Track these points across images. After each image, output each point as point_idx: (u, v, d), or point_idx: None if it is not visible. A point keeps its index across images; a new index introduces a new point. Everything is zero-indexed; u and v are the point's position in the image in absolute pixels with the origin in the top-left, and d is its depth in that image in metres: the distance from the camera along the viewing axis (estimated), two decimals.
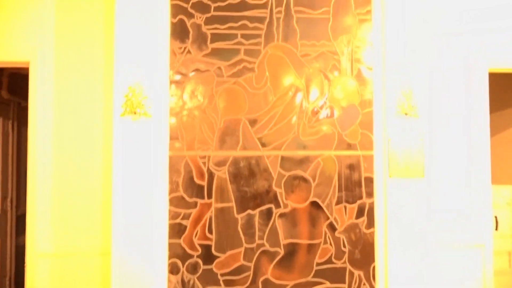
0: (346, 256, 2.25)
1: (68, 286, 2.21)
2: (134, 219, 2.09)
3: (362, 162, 2.28)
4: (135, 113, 2.09)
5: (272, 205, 2.22)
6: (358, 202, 2.27)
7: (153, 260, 2.10)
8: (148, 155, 2.11)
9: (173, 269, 2.16)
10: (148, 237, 2.09)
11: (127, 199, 2.08)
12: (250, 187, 2.21)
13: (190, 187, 2.19)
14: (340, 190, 2.26)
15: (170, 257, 2.16)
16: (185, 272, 2.16)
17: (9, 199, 3.59)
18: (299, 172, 2.24)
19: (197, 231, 2.18)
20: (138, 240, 2.09)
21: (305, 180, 2.25)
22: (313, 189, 2.24)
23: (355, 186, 2.27)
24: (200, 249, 2.18)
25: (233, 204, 2.20)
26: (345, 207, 2.26)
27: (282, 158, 2.23)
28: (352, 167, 2.27)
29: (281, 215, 2.23)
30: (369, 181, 2.28)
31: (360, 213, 2.26)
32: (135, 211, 2.09)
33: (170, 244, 2.16)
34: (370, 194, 2.27)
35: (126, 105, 2.09)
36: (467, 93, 2.45)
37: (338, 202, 2.26)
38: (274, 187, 2.22)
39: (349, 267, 2.25)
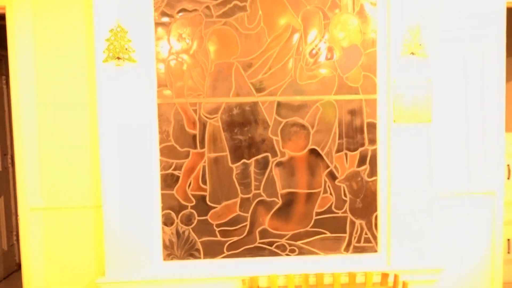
0: (347, 205, 2.20)
1: (62, 240, 2.23)
2: (124, 170, 2.05)
3: (365, 106, 2.16)
4: (118, 58, 1.99)
5: (268, 154, 2.15)
6: (360, 149, 2.18)
7: (146, 212, 2.09)
8: (135, 103, 2.04)
9: (167, 221, 2.15)
10: (139, 188, 2.07)
11: (115, 150, 2.04)
12: (245, 135, 2.14)
13: (181, 137, 2.13)
14: (340, 137, 2.17)
15: (163, 209, 2.14)
16: (179, 223, 2.15)
17: (9, 156, 3.63)
18: (296, 118, 2.15)
19: (191, 182, 2.14)
20: (129, 192, 2.06)
21: (303, 127, 2.16)
22: (311, 137, 2.16)
23: (356, 132, 2.17)
24: (194, 200, 2.15)
25: (227, 153, 2.14)
26: (346, 155, 2.18)
27: (279, 104, 2.13)
28: (353, 113, 2.17)
29: (278, 164, 2.16)
30: (372, 127, 2.18)
31: (362, 161, 2.18)
32: (124, 162, 2.05)
33: (163, 195, 2.14)
34: (372, 140, 2.18)
35: (109, 50, 1.99)
36: (481, 32, 2.26)
37: (338, 150, 2.18)
38: (270, 135, 2.14)
39: (350, 216, 2.20)
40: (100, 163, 2.05)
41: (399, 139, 2.14)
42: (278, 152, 2.16)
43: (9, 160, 3.57)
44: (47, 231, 2.24)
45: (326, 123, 2.17)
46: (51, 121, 2.21)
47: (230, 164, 2.15)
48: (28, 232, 2.23)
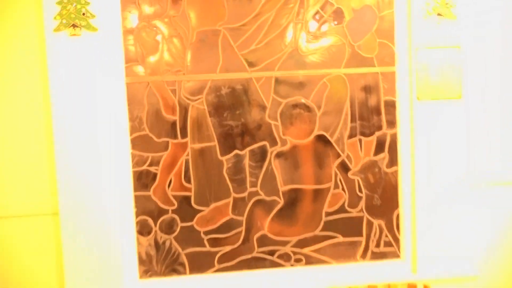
0: (362, 202, 1.85)
1: (17, 252, 1.84)
2: (85, 168, 1.66)
3: (381, 81, 1.82)
4: (74, 26, 1.61)
5: (266, 143, 1.79)
6: (377, 133, 1.83)
7: (115, 218, 1.70)
8: (98, 84, 1.64)
9: (143, 229, 1.77)
10: (106, 190, 1.68)
11: (72, 143, 1.66)
12: (236, 120, 1.77)
13: (157, 124, 1.75)
14: (353, 119, 1.82)
15: (138, 214, 1.76)
16: (158, 231, 1.77)
17: None
18: (299, 98, 1.79)
19: (171, 180, 1.77)
20: (93, 195, 1.67)
21: (307, 108, 1.81)
22: (318, 120, 1.80)
23: (372, 113, 1.83)
24: (176, 203, 1.77)
25: (215, 143, 1.77)
26: (360, 141, 1.83)
27: (277, 80, 1.77)
28: (368, 89, 1.82)
29: (279, 155, 1.81)
30: (391, 106, 1.83)
31: (379, 147, 1.84)
32: (85, 158, 1.66)
33: (136, 198, 1.75)
34: (392, 123, 1.84)
35: (61, 15, 1.60)
36: None
37: (351, 135, 1.83)
38: (267, 119, 1.78)
39: (366, 216, 1.86)
40: (55, 162, 1.67)
41: (423, 120, 1.80)
42: (278, 140, 1.80)
43: None
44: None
45: (336, 102, 1.82)
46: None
47: (219, 157, 1.78)
48: None
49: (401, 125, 1.82)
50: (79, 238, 1.67)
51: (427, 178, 1.80)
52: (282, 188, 1.80)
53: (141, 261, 1.77)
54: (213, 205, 1.78)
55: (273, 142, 1.79)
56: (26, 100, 1.75)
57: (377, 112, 1.82)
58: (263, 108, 1.77)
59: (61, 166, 1.65)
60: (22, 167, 1.78)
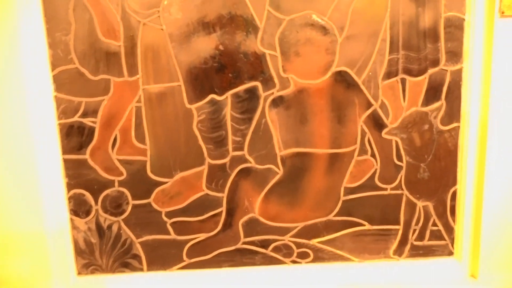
0: (401, 175, 1.30)
1: None
2: None
3: None
4: None
5: (257, 84, 1.23)
6: (430, 71, 1.24)
7: (36, 193, 1.23)
8: None
9: (79, 208, 1.28)
10: (18, 152, 1.21)
11: None
12: (213, 48, 1.22)
13: (92, 53, 1.19)
14: (393, 48, 1.22)
15: (70, 188, 1.28)
16: (101, 211, 1.29)
17: None
18: (309, 13, 1.22)
19: (116, 138, 1.27)
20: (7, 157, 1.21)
21: (322, 29, 1.22)
22: (338, 48, 1.24)
23: (424, 38, 1.22)
24: (124, 172, 1.26)
25: (180, 83, 1.24)
26: (404, 83, 1.25)
27: None
28: (418, 1, 1.24)
29: (277, 102, 1.25)
30: (456, 27, 1.20)
31: (432, 93, 1.24)
32: None
33: (66, 164, 1.25)
34: (455, 54, 1.22)
35: None
36: None
37: (389, 74, 1.24)
38: (260, 47, 1.22)
39: (407, 194, 1.31)
40: None
41: (508, 50, 1.21)
42: (276, 80, 1.23)
43: None
44: None
45: (367, 21, 1.22)
46: None
47: (186, 104, 1.23)
48: None
49: (470, 58, 1.22)
50: None
51: (504, 141, 1.24)
52: (282, 152, 1.27)
53: (78, 252, 1.29)
54: (178, 176, 1.26)
55: (269, 83, 1.23)
56: None
57: (433, 36, 1.20)
58: (253, 28, 1.20)
59: None
60: None
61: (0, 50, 1.13)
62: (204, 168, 1.25)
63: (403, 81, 1.23)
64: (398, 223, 1.31)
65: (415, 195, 1.29)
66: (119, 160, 1.23)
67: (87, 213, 1.26)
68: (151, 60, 1.19)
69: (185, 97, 1.20)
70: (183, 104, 1.21)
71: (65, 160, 1.23)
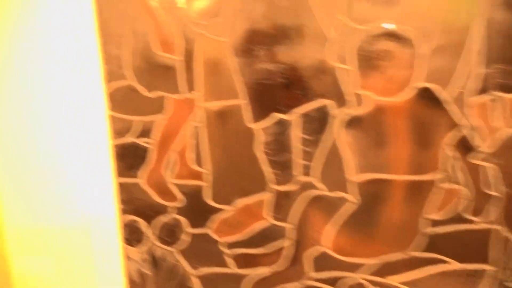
0: (495, 206, 1.15)
1: None
2: (33, 138, 1.13)
3: None
4: None
5: (328, 102, 1.12)
6: None
7: (87, 218, 1.17)
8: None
9: (132, 236, 1.21)
10: (68, 174, 1.15)
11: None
12: (279, 61, 1.12)
13: (147, 68, 1.15)
14: (485, 61, 1.10)
15: (124, 213, 1.22)
16: (155, 240, 1.21)
17: None
18: (386, 22, 1.11)
19: (172, 160, 1.20)
20: (46, 183, 1.15)
21: (402, 40, 1.10)
22: (420, 62, 1.10)
23: None
24: (181, 197, 1.20)
25: (243, 101, 1.15)
26: (497, 101, 1.12)
27: None
28: None
29: (350, 123, 1.13)
30: None
31: None
32: (32, 122, 1.12)
33: (121, 188, 1.20)
34: None
35: None
36: None
37: (480, 91, 1.10)
38: (330, 61, 1.12)
39: (501, 229, 1.16)
40: None
41: None
42: (349, 97, 1.12)
43: None
44: None
45: (454, 31, 1.09)
46: None
47: (249, 124, 1.16)
48: None
49: None
50: (28, 245, 1.16)
51: None
52: (355, 178, 1.14)
53: (130, 283, 1.24)
54: (239, 203, 1.17)
55: (341, 101, 1.11)
56: None
57: None
58: (323, 40, 1.10)
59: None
60: None
61: (53, 66, 1.08)
62: (268, 195, 1.14)
63: (497, 99, 1.08)
64: (487, 262, 1.15)
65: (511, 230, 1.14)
66: (175, 185, 1.15)
67: (140, 241, 1.18)
68: (210, 75, 1.10)
69: (247, 115, 1.11)
70: (245, 123, 1.12)
71: (120, 185, 1.16)
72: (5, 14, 1.11)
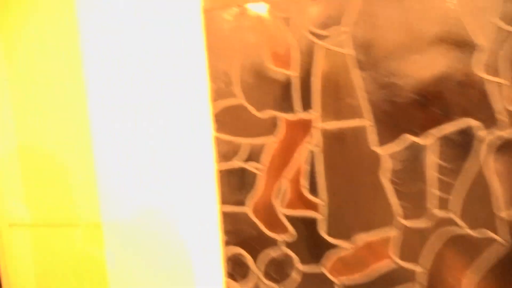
0: None
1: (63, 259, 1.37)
2: (136, 161, 1.06)
3: None
4: None
5: (474, 121, 0.94)
6: None
7: (187, 249, 1.08)
8: (152, 18, 1.01)
9: (236, 271, 1.10)
10: (170, 204, 1.06)
11: (115, 120, 1.06)
12: (412, 75, 0.94)
13: (257, 84, 1.03)
14: None
15: (227, 244, 1.12)
16: (262, 277, 1.10)
17: None
18: None
19: (283, 187, 1.07)
20: (152, 206, 1.07)
21: None
22: None
23: None
24: (292, 229, 1.08)
25: (368, 122, 1.00)
26: None
27: None
28: None
29: (502, 148, 0.93)
30: None
31: None
32: (137, 145, 1.05)
33: (225, 217, 1.11)
34: None
35: None
36: None
37: None
38: (476, 72, 0.93)
39: None
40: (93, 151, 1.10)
41: None
42: (502, 117, 0.93)
43: None
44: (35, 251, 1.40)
45: None
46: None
47: (375, 147, 1.01)
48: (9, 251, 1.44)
49: None
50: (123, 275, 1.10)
51: None
52: (506, 214, 0.94)
53: None
54: (360, 238, 1.02)
55: (490, 121, 0.91)
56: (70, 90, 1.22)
57: None
58: (470, 48, 0.93)
59: (102, 169, 1.08)
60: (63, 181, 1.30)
61: (157, 83, 1.02)
62: (394, 231, 0.98)
63: None
64: None
65: None
66: (286, 216, 1.03)
67: (245, 277, 1.07)
68: (330, 92, 0.97)
69: (372, 138, 0.97)
70: (369, 147, 0.97)
71: (224, 214, 1.06)
72: (111, 29, 1.07)
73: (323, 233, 1.00)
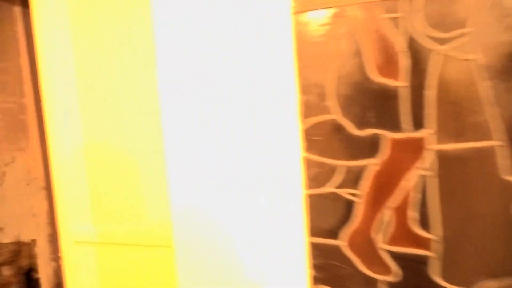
0: None
1: (135, 278, 1.29)
2: (215, 181, 0.95)
3: None
4: None
5: None
6: None
7: (266, 282, 0.94)
8: (236, 20, 0.90)
9: None
10: (249, 228, 0.94)
11: (190, 137, 0.95)
12: None
13: (357, 97, 0.88)
14: None
15: (316, 283, 0.97)
16: None
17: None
18: None
19: (386, 219, 0.92)
20: (229, 231, 0.95)
21: None
22: None
23: None
24: (397, 268, 0.91)
25: (499, 141, 0.80)
26: None
27: None
28: None
29: None
30: None
31: None
32: (218, 162, 0.94)
33: (314, 249, 0.96)
34: None
35: None
36: None
37: None
38: None
39: None
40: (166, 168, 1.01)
41: None
42: None
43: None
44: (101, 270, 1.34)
45: None
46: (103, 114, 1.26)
47: (506, 176, 0.78)
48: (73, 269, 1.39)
49: None
50: None
51: None
52: None
53: None
54: (485, 287, 0.86)
55: None
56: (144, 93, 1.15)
57: None
58: None
59: (176, 189, 0.98)
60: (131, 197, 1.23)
61: (238, 96, 0.91)
62: None
63: None
64: None
65: None
66: (389, 252, 0.88)
67: None
68: (448, 107, 0.81)
69: (503, 163, 0.79)
70: (499, 174, 0.80)
71: (313, 245, 0.93)
72: (188, 34, 0.98)
73: (435, 276, 0.83)
